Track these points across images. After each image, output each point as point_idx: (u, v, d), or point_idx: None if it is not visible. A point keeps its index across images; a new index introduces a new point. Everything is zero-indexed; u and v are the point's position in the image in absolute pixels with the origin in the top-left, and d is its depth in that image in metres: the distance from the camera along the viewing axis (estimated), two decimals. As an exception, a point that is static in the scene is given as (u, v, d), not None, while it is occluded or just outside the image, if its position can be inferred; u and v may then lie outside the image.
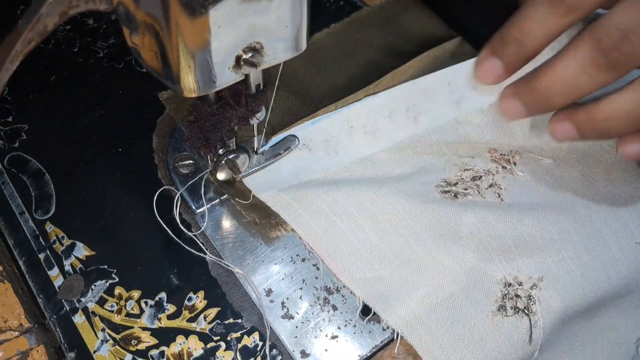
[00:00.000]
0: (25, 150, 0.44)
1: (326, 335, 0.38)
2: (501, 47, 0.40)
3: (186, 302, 0.39)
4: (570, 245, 0.39)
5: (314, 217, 0.40)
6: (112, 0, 0.29)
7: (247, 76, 0.33)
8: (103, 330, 0.37)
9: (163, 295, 0.39)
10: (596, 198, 0.42)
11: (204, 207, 0.41)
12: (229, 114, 0.36)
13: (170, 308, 0.38)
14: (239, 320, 0.38)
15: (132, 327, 0.38)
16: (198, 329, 0.38)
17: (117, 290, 0.39)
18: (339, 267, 0.39)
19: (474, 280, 0.39)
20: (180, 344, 0.37)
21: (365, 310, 0.38)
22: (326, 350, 0.37)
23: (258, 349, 0.37)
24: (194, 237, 0.40)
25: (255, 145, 0.41)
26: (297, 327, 0.38)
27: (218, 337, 0.37)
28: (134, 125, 0.46)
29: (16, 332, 0.37)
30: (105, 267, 0.40)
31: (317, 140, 0.43)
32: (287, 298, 0.39)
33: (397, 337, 0.37)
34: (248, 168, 0.41)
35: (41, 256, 0.40)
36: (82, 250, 0.40)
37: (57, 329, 0.37)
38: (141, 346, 0.37)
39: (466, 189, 0.42)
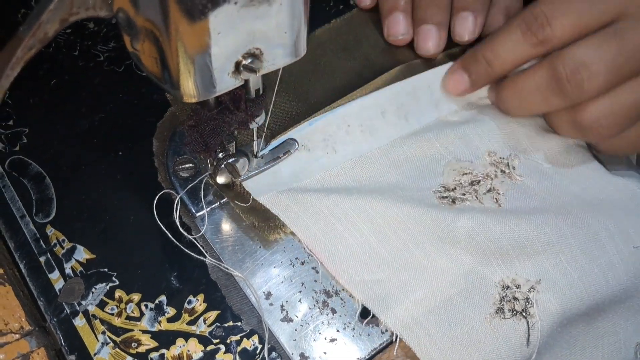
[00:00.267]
0: (26, 153, 0.45)
1: (325, 338, 0.38)
2: (471, 63, 0.43)
3: (186, 305, 0.39)
4: (567, 249, 0.39)
5: (313, 219, 0.40)
6: (112, 6, 0.29)
7: (246, 81, 0.33)
8: (103, 333, 0.38)
9: (163, 298, 0.39)
10: (594, 202, 0.43)
11: (204, 211, 0.41)
12: (229, 118, 0.36)
13: (170, 311, 0.38)
14: (239, 323, 0.38)
15: (132, 330, 0.38)
16: (198, 332, 0.38)
17: (118, 293, 0.39)
18: (338, 270, 0.39)
19: (472, 283, 0.39)
20: (180, 347, 0.37)
21: (364, 313, 0.38)
22: (325, 353, 0.37)
23: (257, 351, 0.37)
24: (193, 240, 0.40)
25: (255, 149, 0.41)
26: (296, 330, 0.38)
27: (218, 340, 0.38)
28: (134, 128, 0.46)
29: (17, 335, 0.38)
30: (106, 270, 0.40)
31: (315, 139, 0.43)
32: (287, 301, 0.39)
33: (395, 340, 0.37)
34: (248, 172, 0.41)
35: (42, 259, 0.40)
36: (82, 254, 0.40)
37: (58, 332, 0.38)
38: (141, 349, 0.37)
39: (464, 195, 0.42)
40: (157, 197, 0.41)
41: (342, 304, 0.39)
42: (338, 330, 0.38)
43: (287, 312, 0.38)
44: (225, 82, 0.31)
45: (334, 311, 0.39)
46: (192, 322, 0.38)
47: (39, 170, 0.44)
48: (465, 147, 0.44)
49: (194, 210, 0.41)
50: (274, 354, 0.37)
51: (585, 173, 0.44)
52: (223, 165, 0.39)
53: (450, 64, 0.46)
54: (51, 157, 0.44)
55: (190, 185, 0.42)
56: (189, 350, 0.37)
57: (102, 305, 0.39)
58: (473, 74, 0.43)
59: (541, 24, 0.39)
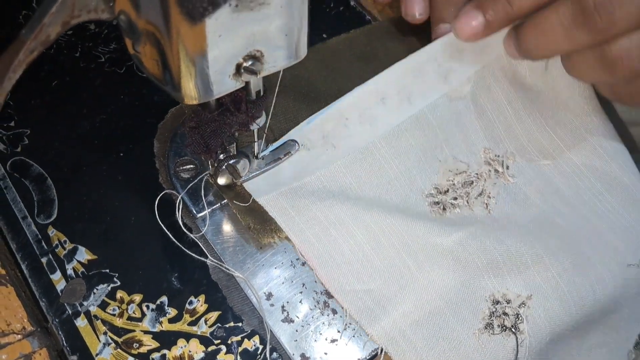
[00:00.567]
0: (27, 154, 0.45)
1: (326, 339, 0.38)
2: (487, 1, 0.39)
3: (187, 305, 0.39)
4: (557, 262, 0.39)
5: (308, 224, 0.40)
6: (114, 9, 0.29)
7: (247, 83, 0.33)
8: (105, 333, 0.38)
9: (164, 299, 0.39)
10: (585, 209, 0.42)
11: (205, 212, 0.42)
12: (230, 120, 0.36)
13: (172, 312, 0.39)
14: (240, 324, 0.38)
15: (134, 331, 0.38)
16: (199, 333, 0.38)
17: (119, 294, 0.39)
18: (329, 278, 0.39)
19: (463, 297, 0.38)
20: (182, 347, 0.37)
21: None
22: (326, 353, 0.37)
23: (258, 352, 0.38)
24: (195, 239, 0.41)
25: (256, 150, 0.41)
26: (297, 330, 0.38)
27: (219, 341, 0.38)
28: (135, 129, 0.46)
29: (19, 336, 0.38)
30: (107, 271, 0.40)
31: (314, 138, 0.43)
32: (287, 302, 0.39)
33: (380, 353, 0.37)
34: (248, 173, 0.41)
35: (43, 260, 0.40)
36: (84, 254, 0.41)
37: (60, 333, 0.38)
38: (143, 349, 0.37)
39: (455, 199, 0.42)
40: (158, 198, 0.41)
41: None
42: (339, 331, 0.38)
43: (288, 312, 0.39)
44: (226, 84, 0.31)
45: (334, 312, 0.39)
46: (193, 323, 0.38)
47: (40, 172, 0.44)
48: (464, 143, 0.44)
49: (195, 211, 0.42)
50: (275, 355, 0.38)
51: (583, 172, 0.44)
52: (224, 167, 0.40)
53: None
54: (52, 158, 0.45)
55: (190, 185, 0.42)
56: (190, 351, 0.37)
57: (103, 306, 0.39)
58: (489, 12, 0.39)
59: None
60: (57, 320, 0.38)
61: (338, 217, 0.40)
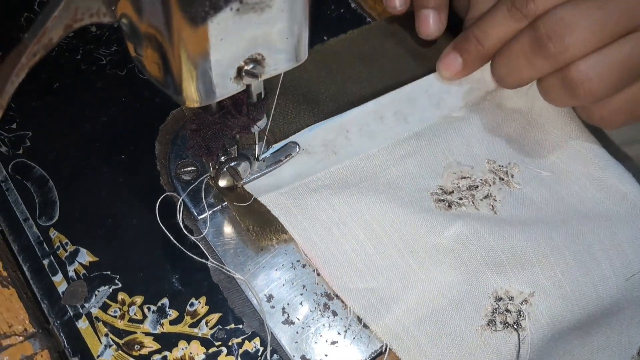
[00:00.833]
0: (29, 157, 0.45)
1: (326, 341, 0.38)
2: (463, 43, 0.44)
3: (188, 307, 0.39)
4: (562, 260, 0.39)
5: (311, 223, 0.40)
6: (116, 13, 0.29)
7: (248, 86, 0.33)
8: (106, 335, 0.38)
9: (165, 300, 0.39)
10: (591, 214, 0.43)
11: (206, 214, 0.42)
12: (231, 122, 0.36)
13: (173, 313, 0.39)
14: (240, 326, 0.39)
15: (135, 332, 0.38)
16: (200, 334, 0.38)
17: (120, 296, 0.39)
18: (332, 277, 0.39)
19: (465, 293, 0.38)
20: (183, 349, 0.38)
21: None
22: (326, 355, 0.38)
23: (259, 354, 0.38)
24: (196, 241, 0.41)
25: (257, 153, 0.41)
26: (297, 332, 0.38)
27: (219, 343, 0.38)
28: (136, 132, 0.46)
29: (20, 337, 0.38)
30: (109, 273, 0.40)
31: (315, 144, 0.44)
32: (288, 304, 0.39)
33: (385, 350, 0.37)
34: (249, 175, 0.41)
35: (45, 262, 0.40)
36: (85, 256, 0.41)
37: (61, 334, 0.38)
38: (144, 351, 0.37)
39: (461, 199, 0.42)
40: (159, 200, 0.41)
41: (343, 306, 0.39)
42: (339, 333, 0.38)
43: (288, 314, 0.39)
44: (228, 87, 0.32)
45: (335, 314, 0.39)
46: (194, 325, 0.38)
47: (42, 174, 0.44)
48: (467, 152, 0.44)
49: (195, 213, 0.42)
50: (275, 356, 0.38)
51: (584, 184, 0.44)
52: (225, 169, 0.40)
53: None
54: (54, 161, 0.45)
55: (191, 187, 0.42)
56: (191, 353, 0.37)
57: (105, 307, 0.39)
58: (464, 53, 0.44)
59: (525, 0, 0.40)
60: (58, 322, 0.38)
61: (340, 216, 0.40)
